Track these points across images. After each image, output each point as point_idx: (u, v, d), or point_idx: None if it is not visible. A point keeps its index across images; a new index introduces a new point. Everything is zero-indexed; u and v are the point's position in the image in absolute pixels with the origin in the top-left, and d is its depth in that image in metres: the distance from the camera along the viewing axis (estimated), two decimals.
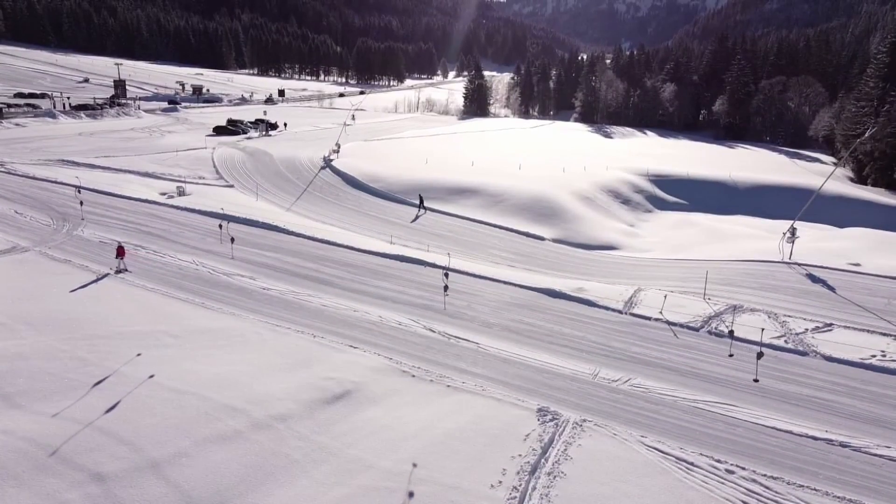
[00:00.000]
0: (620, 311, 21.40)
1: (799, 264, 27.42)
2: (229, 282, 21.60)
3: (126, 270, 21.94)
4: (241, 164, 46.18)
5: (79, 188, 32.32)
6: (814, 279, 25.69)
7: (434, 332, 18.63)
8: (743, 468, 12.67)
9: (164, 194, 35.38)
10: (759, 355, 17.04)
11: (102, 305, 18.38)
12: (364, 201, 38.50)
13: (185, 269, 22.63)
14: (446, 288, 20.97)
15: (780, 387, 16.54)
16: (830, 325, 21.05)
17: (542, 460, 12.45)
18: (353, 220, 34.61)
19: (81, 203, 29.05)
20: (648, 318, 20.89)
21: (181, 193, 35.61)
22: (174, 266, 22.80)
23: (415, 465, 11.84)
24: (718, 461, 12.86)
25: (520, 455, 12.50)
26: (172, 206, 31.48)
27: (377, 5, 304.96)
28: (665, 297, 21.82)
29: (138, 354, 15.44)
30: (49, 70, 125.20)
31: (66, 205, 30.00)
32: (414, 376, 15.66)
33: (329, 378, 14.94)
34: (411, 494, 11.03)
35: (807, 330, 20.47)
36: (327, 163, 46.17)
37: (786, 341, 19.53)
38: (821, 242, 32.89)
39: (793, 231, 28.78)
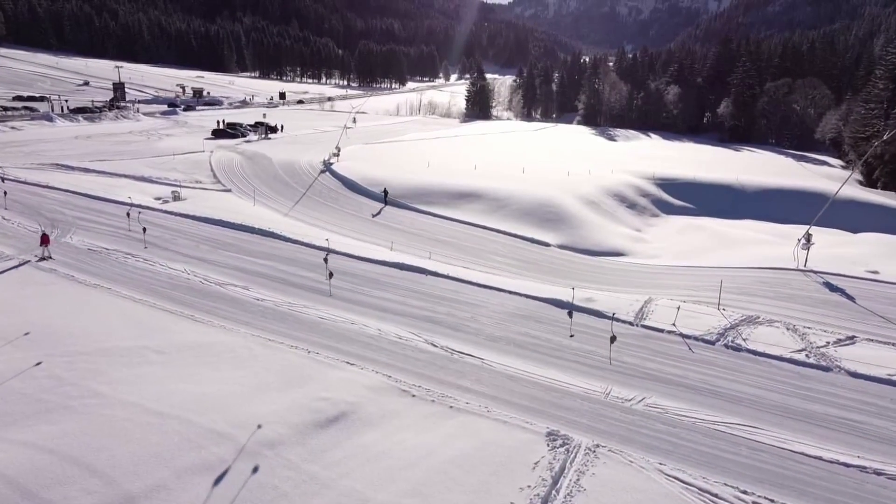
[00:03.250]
0: (632, 323, 20.39)
1: (815, 272, 26.37)
2: (221, 292, 20.64)
3: (49, 258, 22.36)
4: (239, 167, 45.32)
5: (3, 178, 32.21)
6: (831, 288, 24.65)
7: (436, 346, 17.64)
8: (771, 500, 11.64)
9: (158, 199, 34.48)
10: (612, 339, 15.58)
11: (86, 318, 17.43)
12: (364, 206, 37.56)
13: (176, 278, 21.68)
14: (330, 273, 21.14)
15: (804, 406, 15.50)
16: (853, 337, 20.00)
17: (553, 492, 11.44)
18: (352, 226, 33.68)
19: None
20: (661, 331, 19.88)
21: (176, 198, 34.71)
22: (164, 275, 21.86)
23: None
24: (744, 492, 11.83)
25: (529, 486, 11.50)
26: (166, 212, 30.54)
27: (379, 8, 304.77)
28: (678, 307, 20.79)
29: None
30: (49, 73, 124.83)
31: (57, 210, 29.12)
32: (414, 396, 14.66)
33: (323, 398, 13.95)
34: None
35: (828, 343, 19.44)
36: (327, 166, 45.29)
37: (807, 355, 18.49)
38: (835, 248, 31.88)
39: (808, 237, 27.72)
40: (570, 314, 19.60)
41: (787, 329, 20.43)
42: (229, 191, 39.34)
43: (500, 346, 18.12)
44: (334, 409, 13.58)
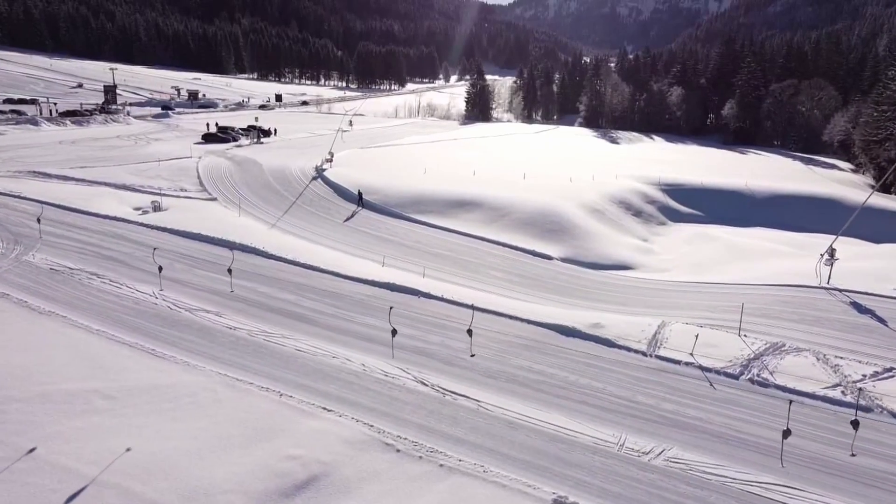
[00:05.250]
0: (644, 353, 18.41)
1: (840, 290, 24.38)
2: (191, 319, 18.65)
3: None
4: (227, 174, 43.36)
5: None
6: (860, 309, 22.65)
7: (426, 385, 15.65)
8: None
9: (138, 209, 32.55)
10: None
11: (32, 354, 15.45)
12: (356, 215, 35.60)
13: (143, 302, 19.69)
14: (230, 271, 19.56)
15: (849, 459, 13.51)
16: (892, 369, 17.98)
17: None
18: (342, 238, 31.72)
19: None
20: (678, 363, 17.89)
21: (157, 209, 32.77)
22: (130, 299, 19.87)
23: None
24: None
25: None
26: (142, 225, 28.57)
27: (379, 9, 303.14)
28: (697, 335, 18.80)
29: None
30: (43, 75, 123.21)
31: (24, 224, 27.10)
32: (399, 451, 12.68)
33: (292, 457, 11.98)
34: None
35: (865, 377, 17.45)
36: (319, 173, 43.35)
37: (843, 392, 16.51)
38: (857, 261, 29.88)
39: (832, 252, 25.73)
40: (469, 332, 17.69)
41: (817, 359, 18.44)
42: (215, 199, 37.36)
43: (498, 383, 16.14)
44: (304, 471, 11.60)
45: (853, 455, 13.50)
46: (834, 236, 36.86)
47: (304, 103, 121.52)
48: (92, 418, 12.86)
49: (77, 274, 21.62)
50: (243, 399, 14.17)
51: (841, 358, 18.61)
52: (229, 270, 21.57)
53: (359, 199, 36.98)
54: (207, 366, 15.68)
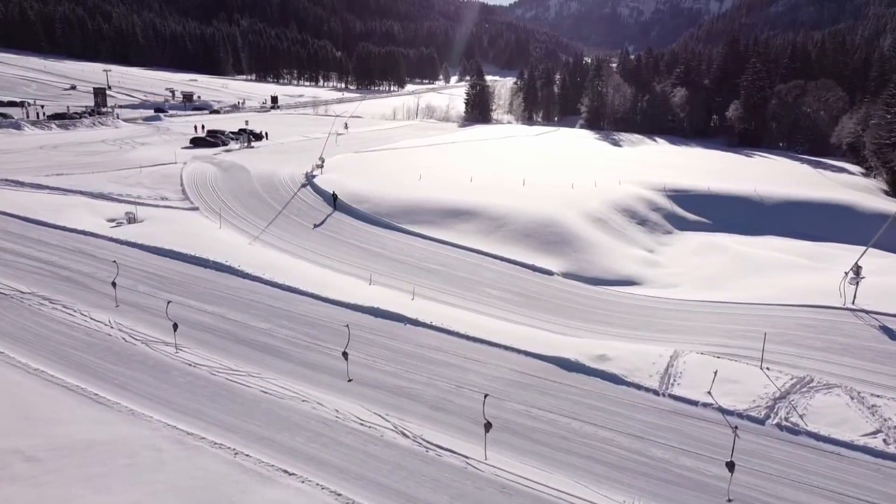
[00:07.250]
0: (657, 392, 16.35)
1: (867, 312, 22.30)
2: (146, 354, 16.61)
3: None
4: (212, 181, 41.33)
5: None
6: (892, 335, 20.55)
7: (408, 436, 13.60)
8: None
9: (111, 221, 30.61)
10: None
11: None
12: (345, 226, 33.58)
13: (95, 333, 17.65)
14: (114, 284, 18.39)
15: None
16: None
17: None
18: (329, 251, 29.71)
19: None
20: (695, 403, 15.84)
21: (131, 220, 30.78)
22: (82, 329, 17.84)
23: None
24: None
25: None
26: (111, 240, 26.55)
27: (379, 10, 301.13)
28: (715, 372, 16.72)
29: None
30: (37, 77, 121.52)
31: None
32: None
33: None
34: None
35: None
36: (309, 179, 41.34)
37: (885, 440, 14.44)
38: (882, 276, 27.69)
39: (857, 270, 23.62)
40: (344, 355, 16.19)
41: (851, 398, 16.35)
42: (197, 209, 35.35)
43: (491, 433, 14.05)
44: None
45: (729, 501, 12.15)
46: (853, 246, 34.72)
47: (275, 107, 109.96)
48: (5, 490, 10.82)
49: (27, 299, 19.59)
50: (191, 459, 12.12)
51: (877, 396, 16.52)
52: (113, 284, 19.52)
53: (333, 201, 35.56)
54: (156, 415, 13.63)
